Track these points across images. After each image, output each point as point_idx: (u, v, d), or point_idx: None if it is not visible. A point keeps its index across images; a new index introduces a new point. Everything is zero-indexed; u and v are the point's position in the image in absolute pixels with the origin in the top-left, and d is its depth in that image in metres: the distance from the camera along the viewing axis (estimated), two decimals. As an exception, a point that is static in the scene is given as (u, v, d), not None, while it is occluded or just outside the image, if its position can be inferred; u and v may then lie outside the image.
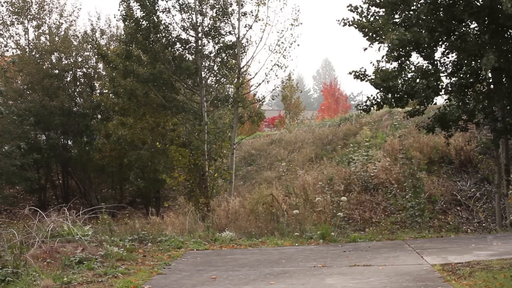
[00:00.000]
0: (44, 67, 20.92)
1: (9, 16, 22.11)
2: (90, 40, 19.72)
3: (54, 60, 21.11)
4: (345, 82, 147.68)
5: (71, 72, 21.11)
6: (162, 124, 18.09)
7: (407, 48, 11.07)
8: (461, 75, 11.55)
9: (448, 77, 11.85)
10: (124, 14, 15.40)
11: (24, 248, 8.32)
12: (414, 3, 11.16)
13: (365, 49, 11.85)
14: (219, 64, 16.36)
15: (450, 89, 11.73)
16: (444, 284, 6.19)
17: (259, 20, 16.00)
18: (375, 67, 11.58)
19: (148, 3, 15.19)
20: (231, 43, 16.06)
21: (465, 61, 11.00)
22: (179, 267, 7.95)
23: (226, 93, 16.96)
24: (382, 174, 13.52)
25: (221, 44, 16.03)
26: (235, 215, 12.05)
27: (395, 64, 11.57)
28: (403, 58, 11.40)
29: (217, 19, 15.82)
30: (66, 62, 21.00)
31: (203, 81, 16.00)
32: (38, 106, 19.78)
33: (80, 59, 21.13)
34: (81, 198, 20.41)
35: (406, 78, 11.62)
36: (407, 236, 10.42)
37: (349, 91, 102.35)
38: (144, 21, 15.20)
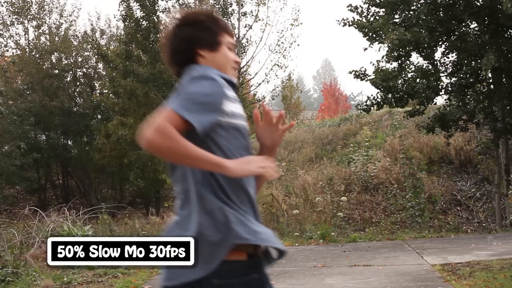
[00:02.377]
0: (44, 67, 20.90)
1: (9, 16, 22.08)
2: (90, 40, 19.70)
3: (54, 60, 21.09)
4: (345, 82, 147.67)
5: (71, 72, 21.08)
6: (162, 124, 18.06)
7: (407, 48, 11.07)
8: (461, 75, 11.55)
9: (448, 77, 11.85)
10: (124, 14, 15.40)
11: (24, 248, 8.32)
12: (414, 3, 11.17)
13: (365, 49, 11.86)
14: (219, 64, 16.34)
15: (450, 89, 11.73)
16: (444, 284, 6.19)
17: (259, 20, 16.01)
18: (375, 67, 11.59)
19: (148, 3, 15.19)
20: (231, 43, 16.05)
21: (465, 61, 11.01)
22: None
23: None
24: (382, 174, 13.52)
25: (221, 44, 16.02)
26: (235, 215, 12.05)
27: (395, 64, 11.58)
28: (403, 58, 11.41)
29: (217, 19, 15.81)
30: (66, 62, 20.97)
31: (203, 81, 15.99)
32: (38, 106, 19.76)
33: (80, 59, 21.11)
34: (81, 198, 20.38)
35: (406, 78, 11.63)
36: (407, 236, 10.42)
37: (349, 91, 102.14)
38: (144, 21, 15.21)
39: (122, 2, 15.43)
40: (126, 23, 15.83)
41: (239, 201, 1.89)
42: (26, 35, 22.52)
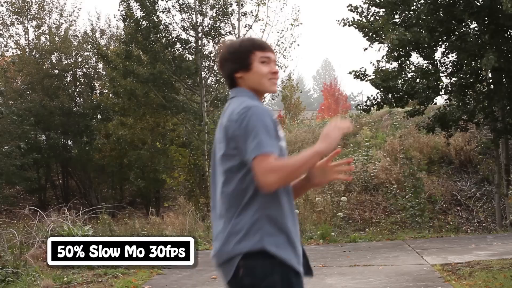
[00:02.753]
0: (44, 67, 20.89)
1: (9, 16, 22.06)
2: (90, 40, 19.69)
3: (54, 60, 21.08)
4: (345, 82, 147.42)
5: (71, 72, 21.08)
6: (162, 124, 18.07)
7: (407, 48, 11.07)
8: (461, 75, 11.55)
9: (448, 77, 11.85)
10: (124, 14, 15.38)
11: (24, 248, 8.32)
12: (414, 3, 11.16)
13: (365, 49, 11.86)
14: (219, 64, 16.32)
15: (450, 89, 11.73)
16: (444, 284, 6.19)
17: (259, 20, 15.99)
18: (375, 67, 11.58)
19: (148, 3, 15.18)
20: (231, 43, 16.02)
21: (465, 61, 11.01)
22: (179, 267, 7.94)
23: (226, 93, 16.96)
24: (382, 174, 13.51)
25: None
26: (235, 215, 12.04)
27: (395, 64, 11.57)
28: (403, 58, 11.40)
29: (217, 19, 15.81)
30: (66, 62, 20.97)
31: (203, 81, 15.99)
32: (38, 106, 19.75)
33: (80, 59, 21.10)
34: (81, 198, 20.38)
35: (406, 78, 11.62)
36: (407, 236, 10.42)
37: (349, 91, 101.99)
38: (144, 21, 15.19)
39: (122, 2, 15.41)
40: (126, 23, 15.82)
41: (291, 223, 2.10)
42: (26, 35, 22.50)
